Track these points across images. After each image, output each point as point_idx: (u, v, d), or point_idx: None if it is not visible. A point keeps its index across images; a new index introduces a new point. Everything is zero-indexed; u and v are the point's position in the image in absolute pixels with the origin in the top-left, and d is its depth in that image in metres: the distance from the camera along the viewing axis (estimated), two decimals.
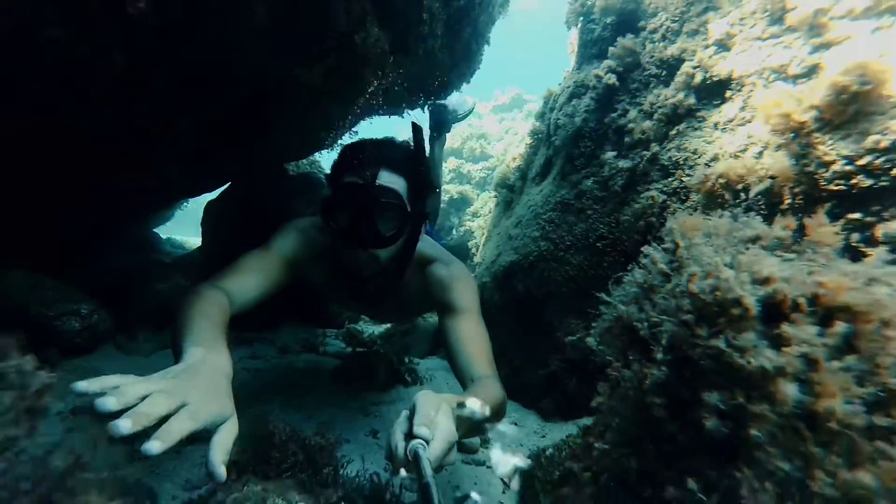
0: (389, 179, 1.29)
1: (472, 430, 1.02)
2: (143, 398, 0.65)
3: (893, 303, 0.61)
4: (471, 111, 3.37)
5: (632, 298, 0.83)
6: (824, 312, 0.63)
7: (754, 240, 0.77)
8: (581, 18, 2.33)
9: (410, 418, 0.76)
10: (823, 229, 0.77)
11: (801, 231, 0.80)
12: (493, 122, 6.82)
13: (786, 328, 0.62)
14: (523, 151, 3.06)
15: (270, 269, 1.39)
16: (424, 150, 1.38)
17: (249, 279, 1.32)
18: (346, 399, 1.89)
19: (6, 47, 1.01)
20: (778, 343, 0.62)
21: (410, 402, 0.80)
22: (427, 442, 0.71)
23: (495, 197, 3.65)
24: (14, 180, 1.54)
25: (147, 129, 1.47)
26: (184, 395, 0.69)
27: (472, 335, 1.34)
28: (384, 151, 1.34)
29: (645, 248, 0.87)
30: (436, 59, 2.33)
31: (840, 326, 0.60)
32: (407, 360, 2.27)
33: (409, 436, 0.72)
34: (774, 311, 0.64)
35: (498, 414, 1.15)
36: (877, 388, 0.58)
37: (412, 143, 1.38)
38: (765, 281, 0.64)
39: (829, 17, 1.38)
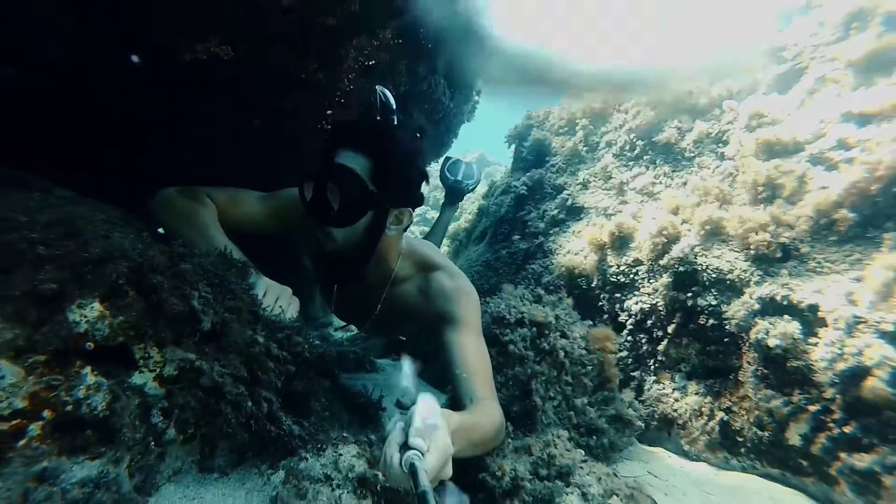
0: (349, 157, 1.21)
1: (468, 447, 1.01)
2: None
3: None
4: (478, 182, 3.68)
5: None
6: (534, 326, 1.69)
7: (538, 299, 1.86)
8: (516, 141, 3.51)
9: (405, 430, 0.75)
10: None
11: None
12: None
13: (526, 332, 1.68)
14: (472, 217, 4.17)
15: (263, 210, 1.45)
16: (392, 131, 1.29)
17: (240, 207, 1.42)
18: None
19: None
20: (539, 346, 1.68)
21: (407, 415, 0.77)
22: (422, 453, 0.71)
23: (448, 245, 4.72)
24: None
25: None
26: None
27: (473, 351, 1.30)
28: (355, 127, 1.31)
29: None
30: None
31: (528, 329, 1.67)
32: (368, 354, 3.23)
33: (405, 447, 0.72)
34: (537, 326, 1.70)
35: (495, 438, 1.16)
36: None
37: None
38: (523, 316, 1.71)
39: (628, 187, 2.57)
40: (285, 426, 0.94)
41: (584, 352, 1.73)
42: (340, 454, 0.93)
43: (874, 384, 1.41)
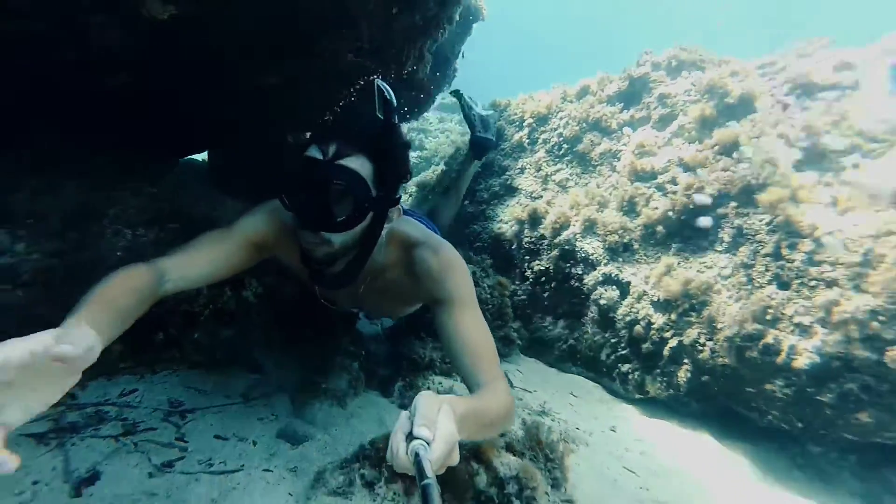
0: (352, 158, 1.14)
1: (477, 432, 0.98)
2: None
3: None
4: (496, 145, 3.76)
5: None
6: None
7: (468, 260, 2.84)
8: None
9: (411, 419, 0.73)
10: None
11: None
12: (434, 120, 8.57)
13: None
14: (439, 172, 5.00)
15: (227, 247, 1.31)
16: (397, 130, 1.22)
17: (197, 257, 1.25)
18: None
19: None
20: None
21: (412, 404, 0.76)
22: (428, 443, 0.70)
23: (414, 191, 5.53)
24: None
25: None
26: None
27: (473, 332, 1.24)
28: (354, 125, 1.24)
29: None
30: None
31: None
32: None
33: (411, 437, 0.71)
34: None
35: (505, 418, 1.12)
36: None
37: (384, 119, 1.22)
38: None
39: (551, 178, 3.49)
40: None
41: (489, 295, 2.75)
42: None
43: (638, 329, 2.52)
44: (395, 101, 1.23)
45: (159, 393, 1.61)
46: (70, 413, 1.40)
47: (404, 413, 0.76)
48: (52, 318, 0.84)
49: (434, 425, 0.72)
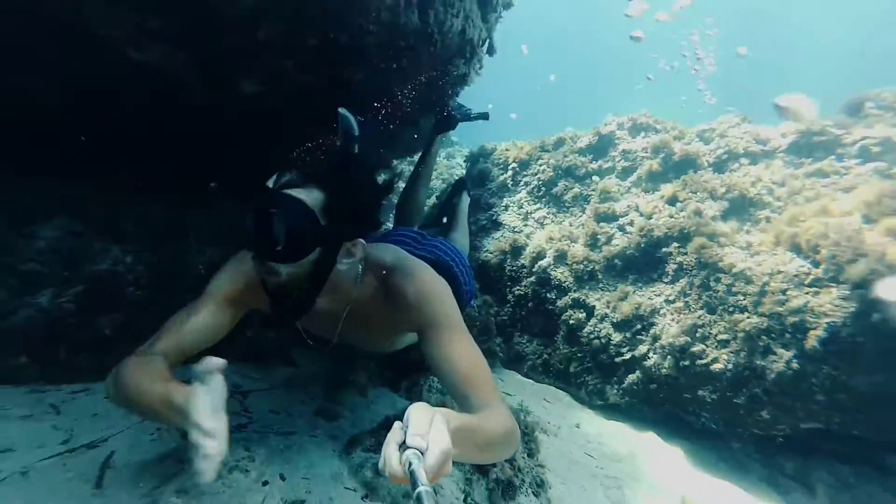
0: (303, 189, 1.13)
1: (472, 452, 0.94)
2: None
3: None
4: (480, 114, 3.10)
5: None
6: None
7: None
8: (469, 162, 4.88)
9: (404, 430, 0.72)
10: None
11: None
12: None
13: None
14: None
15: (204, 314, 1.31)
16: (355, 161, 1.19)
17: (182, 334, 1.27)
18: None
19: None
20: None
21: (405, 415, 0.75)
22: (422, 452, 0.69)
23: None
24: None
25: None
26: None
27: (462, 355, 1.17)
28: (311, 153, 1.19)
29: None
30: None
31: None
32: None
33: (404, 447, 0.70)
34: None
35: (506, 442, 1.07)
36: None
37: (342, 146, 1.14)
38: None
39: (531, 216, 4.06)
40: None
41: (476, 313, 3.24)
42: None
43: (599, 345, 3.06)
44: (355, 130, 1.17)
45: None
46: None
47: (397, 423, 0.75)
48: (159, 313, 1.34)
49: (427, 436, 0.71)
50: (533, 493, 1.88)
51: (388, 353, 1.95)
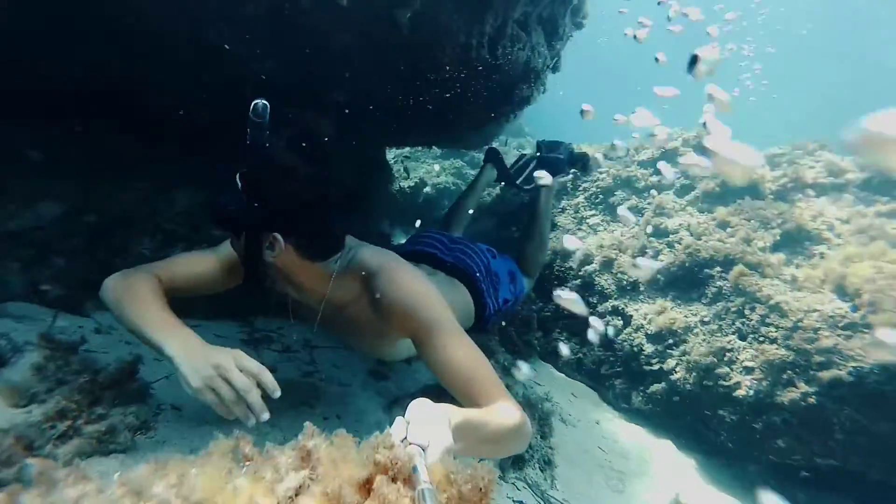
0: (235, 167, 1.23)
1: (477, 447, 0.95)
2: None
3: None
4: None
5: None
6: None
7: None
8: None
9: (406, 425, 0.73)
10: None
11: None
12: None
13: None
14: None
15: (206, 264, 1.43)
16: (261, 153, 1.19)
17: (180, 269, 1.37)
18: None
19: None
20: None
21: (407, 411, 0.76)
22: (424, 448, 0.70)
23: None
24: None
25: None
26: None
27: (458, 356, 1.16)
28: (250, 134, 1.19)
29: None
30: None
31: None
32: None
33: (405, 442, 0.70)
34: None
35: (513, 437, 1.07)
36: None
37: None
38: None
39: (585, 221, 4.23)
40: None
41: (519, 307, 3.54)
42: None
43: (632, 353, 3.24)
44: (265, 121, 1.14)
45: (297, 332, 2.53)
46: (256, 334, 2.34)
47: (399, 419, 0.75)
48: None
49: (429, 432, 0.72)
50: (540, 468, 2.20)
51: (394, 359, 2.07)
